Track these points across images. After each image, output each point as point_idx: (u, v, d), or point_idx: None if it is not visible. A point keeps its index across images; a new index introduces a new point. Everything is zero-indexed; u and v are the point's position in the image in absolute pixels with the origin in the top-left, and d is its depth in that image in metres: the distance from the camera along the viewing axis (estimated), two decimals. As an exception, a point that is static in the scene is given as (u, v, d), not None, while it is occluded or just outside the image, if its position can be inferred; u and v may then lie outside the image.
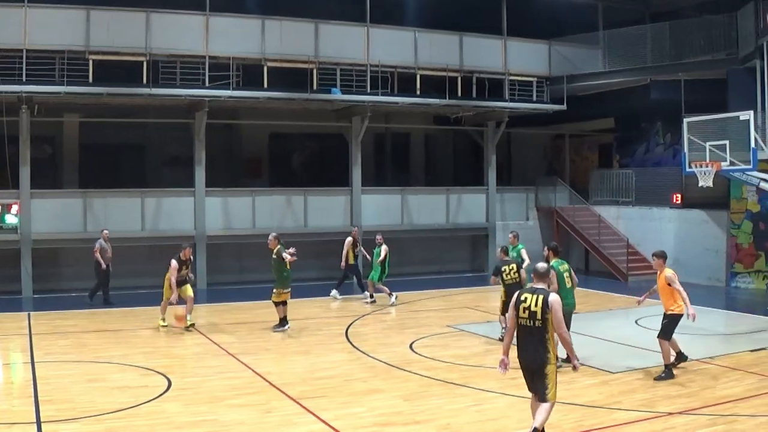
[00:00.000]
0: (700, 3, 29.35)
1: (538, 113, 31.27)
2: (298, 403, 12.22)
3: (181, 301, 18.47)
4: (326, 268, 27.77)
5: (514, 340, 9.94)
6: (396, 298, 22.75)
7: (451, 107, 29.60)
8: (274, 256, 18.19)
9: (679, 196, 28.52)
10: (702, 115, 22.94)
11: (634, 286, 26.44)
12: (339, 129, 29.46)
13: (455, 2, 28.76)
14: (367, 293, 23.33)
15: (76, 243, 24.85)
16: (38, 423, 11.00)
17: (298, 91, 26.22)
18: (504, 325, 15.58)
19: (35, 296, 24.05)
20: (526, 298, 9.74)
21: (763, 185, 21.88)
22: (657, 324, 17.55)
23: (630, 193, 31.02)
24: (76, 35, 23.66)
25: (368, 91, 27.00)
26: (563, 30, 30.68)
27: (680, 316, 13.80)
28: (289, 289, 18.40)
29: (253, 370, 14.47)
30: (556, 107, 30.35)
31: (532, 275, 10.10)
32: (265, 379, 13.81)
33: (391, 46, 27.79)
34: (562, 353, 11.11)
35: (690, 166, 22.66)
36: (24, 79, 22.85)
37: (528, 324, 9.67)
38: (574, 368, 10.17)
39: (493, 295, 25.54)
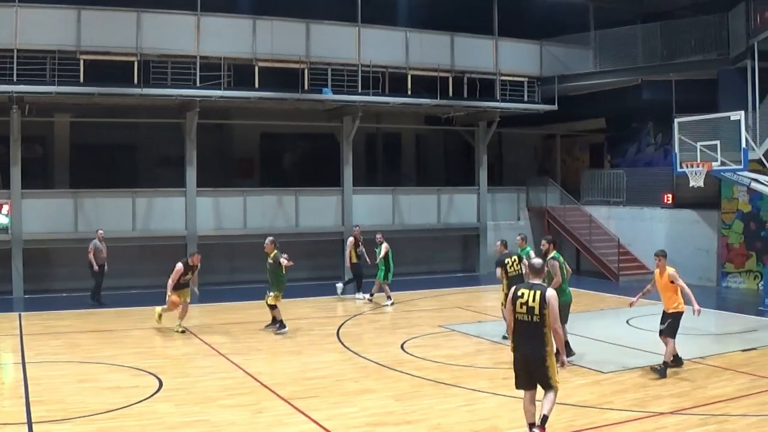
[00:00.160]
0: (692, 3, 29.38)
1: (530, 113, 31.30)
2: (289, 403, 12.20)
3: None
4: (317, 268, 27.78)
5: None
6: (392, 304, 22.73)
7: (442, 107, 29.61)
8: (270, 261, 18.14)
9: (670, 196, 28.59)
10: (693, 115, 22.96)
11: (625, 286, 26.50)
12: (330, 129, 29.44)
13: (446, 2, 28.80)
14: (361, 293, 23.43)
15: (67, 243, 24.80)
16: (29, 424, 10.97)
17: (290, 91, 26.20)
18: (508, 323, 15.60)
19: (26, 296, 23.98)
20: (523, 294, 9.86)
21: (754, 185, 21.92)
22: (648, 324, 17.71)
23: (621, 193, 31.07)
24: (67, 35, 23.60)
25: (359, 91, 26.99)
26: (555, 30, 30.71)
27: (682, 313, 13.98)
28: (282, 292, 18.42)
29: (244, 371, 14.45)
30: (548, 107, 30.39)
31: (527, 271, 10.21)
32: (256, 379, 13.80)
33: (382, 46, 27.79)
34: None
35: (681, 166, 22.67)
36: (15, 78, 22.78)
37: (526, 319, 9.79)
38: (562, 364, 10.25)
39: (485, 295, 25.72)
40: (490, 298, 23.77)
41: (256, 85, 25.79)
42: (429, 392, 12.90)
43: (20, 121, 24.18)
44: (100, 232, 22.94)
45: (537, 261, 10.34)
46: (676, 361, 14.22)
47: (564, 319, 13.62)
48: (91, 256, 22.34)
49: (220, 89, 25.07)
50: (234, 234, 26.78)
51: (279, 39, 26.15)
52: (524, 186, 33.55)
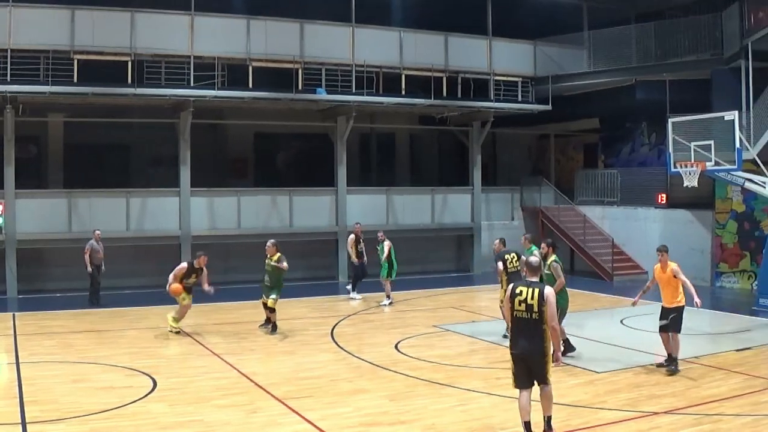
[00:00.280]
0: (686, 4, 29.42)
1: (524, 113, 31.31)
2: (283, 403, 12.20)
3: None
4: (311, 268, 27.78)
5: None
6: (390, 305, 22.71)
7: (436, 107, 29.62)
8: (273, 263, 18.07)
9: (664, 196, 28.62)
10: (687, 115, 22.99)
11: (619, 286, 26.55)
12: (324, 129, 29.43)
13: (440, 2, 28.77)
14: (355, 293, 23.51)
15: (61, 243, 24.78)
16: (23, 424, 10.96)
17: (284, 91, 26.18)
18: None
19: (20, 296, 23.94)
20: (521, 291, 9.98)
21: (748, 185, 21.95)
22: (642, 324, 17.76)
23: (615, 193, 31.11)
24: (61, 35, 23.55)
25: (353, 91, 26.99)
26: (548, 30, 30.72)
27: (684, 307, 14.19)
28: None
29: (238, 371, 14.44)
30: (541, 107, 30.41)
31: (524, 269, 10.30)
32: (250, 379, 13.79)
33: (376, 46, 27.78)
34: None
35: (675, 166, 22.70)
36: (8, 78, 22.74)
37: (525, 316, 9.90)
38: (556, 361, 10.32)
39: (479, 295, 25.76)
40: (484, 298, 23.82)
41: (250, 85, 25.77)
42: (423, 392, 12.90)
43: (14, 120, 24.16)
44: (97, 232, 22.88)
45: (534, 259, 10.48)
46: (669, 361, 14.29)
47: (560, 319, 13.68)
48: (86, 256, 22.28)
49: (214, 89, 25.05)
50: (228, 234, 26.76)
51: (273, 39, 26.13)
52: (518, 186, 33.54)
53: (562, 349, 13.17)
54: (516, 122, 33.38)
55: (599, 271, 28.67)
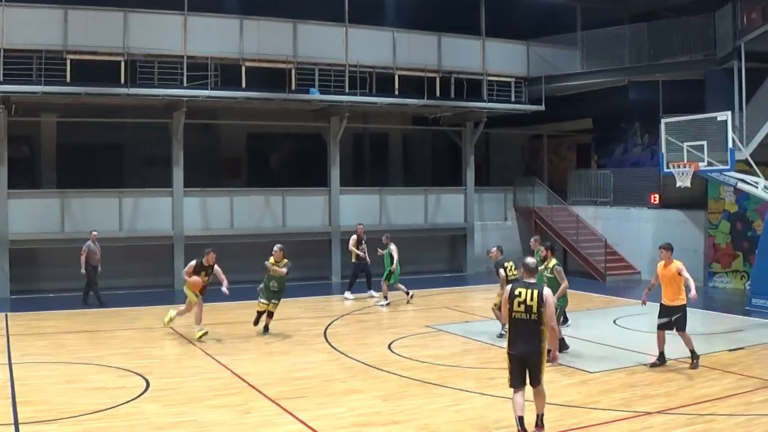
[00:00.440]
0: (678, 4, 29.48)
1: (517, 114, 31.33)
2: (276, 403, 12.19)
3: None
4: (304, 268, 27.63)
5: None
6: (387, 306, 22.70)
7: (430, 107, 29.62)
8: (280, 267, 17.93)
9: (656, 196, 28.65)
10: (680, 115, 23.00)
11: (612, 286, 26.57)
12: (317, 129, 29.41)
13: (434, 3, 28.81)
14: (350, 293, 23.55)
15: (53, 243, 24.73)
16: (16, 424, 10.93)
17: (277, 91, 26.17)
18: (504, 322, 15.56)
19: (12, 297, 23.88)
20: (520, 293, 10.05)
21: (741, 185, 21.98)
22: (635, 324, 17.82)
23: (608, 194, 31.13)
24: (54, 35, 23.50)
25: (346, 91, 26.97)
26: (542, 31, 30.76)
27: (686, 305, 14.48)
28: None
29: (231, 371, 14.42)
30: (535, 108, 30.42)
31: (522, 271, 10.34)
32: (243, 379, 13.78)
33: (369, 46, 27.78)
34: None
35: (668, 167, 22.71)
36: (1, 78, 22.71)
37: (523, 317, 9.99)
38: (553, 360, 10.41)
39: (472, 295, 25.79)
40: (478, 298, 23.84)
41: (243, 85, 25.75)
42: (416, 392, 12.90)
43: (6, 120, 24.11)
44: (94, 233, 22.78)
45: (531, 260, 10.53)
46: (661, 359, 14.36)
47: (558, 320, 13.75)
48: (82, 258, 22.18)
49: (207, 89, 25.02)
50: (221, 234, 26.70)
51: (266, 39, 26.12)
52: (511, 186, 33.60)
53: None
54: (509, 122, 33.41)
55: (592, 271, 28.67)
